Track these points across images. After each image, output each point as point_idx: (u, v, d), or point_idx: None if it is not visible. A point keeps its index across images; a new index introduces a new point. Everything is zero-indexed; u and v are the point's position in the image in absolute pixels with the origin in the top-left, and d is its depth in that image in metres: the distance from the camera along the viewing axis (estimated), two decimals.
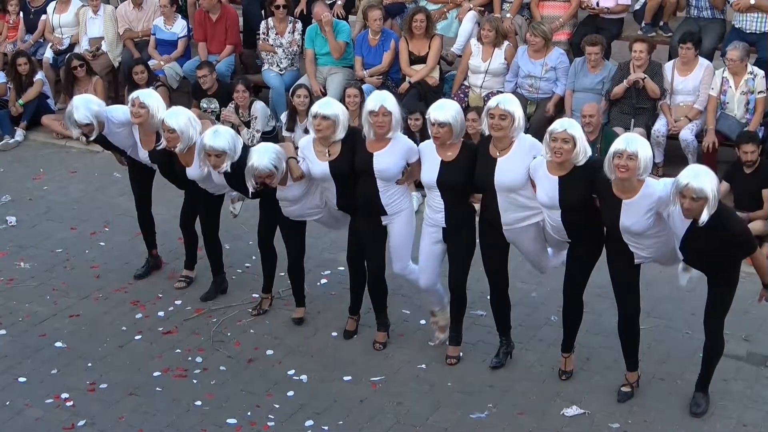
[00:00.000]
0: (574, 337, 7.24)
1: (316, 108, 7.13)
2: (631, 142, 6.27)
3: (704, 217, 6.03)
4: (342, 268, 7.92)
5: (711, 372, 6.89)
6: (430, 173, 6.96)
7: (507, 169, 6.73)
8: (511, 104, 6.69)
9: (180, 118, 7.58)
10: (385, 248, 7.40)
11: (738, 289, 6.62)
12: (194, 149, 7.60)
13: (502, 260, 7.13)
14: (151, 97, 7.87)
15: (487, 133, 6.79)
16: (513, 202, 6.81)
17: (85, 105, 7.93)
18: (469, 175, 6.90)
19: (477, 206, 7.15)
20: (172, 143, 7.59)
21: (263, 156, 7.08)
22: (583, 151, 6.52)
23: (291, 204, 7.50)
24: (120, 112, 8.04)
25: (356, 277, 7.73)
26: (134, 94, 7.94)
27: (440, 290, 7.45)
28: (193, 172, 7.74)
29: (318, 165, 7.22)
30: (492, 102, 6.73)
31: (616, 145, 6.28)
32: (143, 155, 8.06)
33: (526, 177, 6.74)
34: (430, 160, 6.98)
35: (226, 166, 7.29)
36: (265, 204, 7.78)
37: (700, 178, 6.01)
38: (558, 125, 6.53)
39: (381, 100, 6.97)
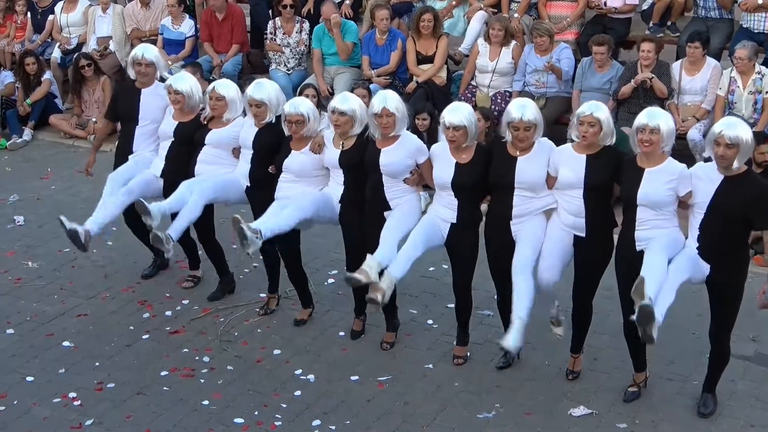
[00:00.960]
0: (583, 338, 7.25)
1: (334, 103, 7.20)
2: (652, 116, 6.41)
3: (736, 164, 6.21)
4: None
5: (718, 376, 6.89)
6: (444, 174, 6.95)
7: (528, 167, 6.77)
8: (533, 112, 6.73)
9: (230, 89, 7.79)
10: None
11: (745, 290, 6.61)
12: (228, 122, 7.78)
13: (508, 260, 7.08)
14: (183, 81, 7.91)
15: (509, 140, 6.81)
16: (528, 197, 6.83)
17: (152, 49, 8.27)
18: (483, 177, 6.91)
19: (483, 207, 7.14)
20: (219, 111, 7.73)
21: (298, 104, 7.40)
22: (611, 132, 6.64)
23: (289, 179, 7.47)
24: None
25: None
26: (167, 81, 7.95)
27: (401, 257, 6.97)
28: (216, 133, 7.75)
29: (332, 151, 7.28)
30: (515, 115, 6.69)
31: (639, 119, 6.44)
32: (169, 127, 7.98)
33: (545, 175, 6.79)
34: (444, 161, 6.97)
35: (270, 117, 7.54)
36: (260, 205, 7.76)
37: (734, 126, 6.24)
38: (586, 108, 6.63)
39: (383, 101, 7.00)
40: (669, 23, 11.57)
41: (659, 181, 6.42)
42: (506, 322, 7.37)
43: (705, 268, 6.48)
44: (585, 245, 6.79)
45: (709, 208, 6.34)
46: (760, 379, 7.32)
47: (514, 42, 11.04)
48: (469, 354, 7.55)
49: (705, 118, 10.20)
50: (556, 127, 9.91)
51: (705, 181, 6.36)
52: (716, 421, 6.84)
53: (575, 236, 6.80)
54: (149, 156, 8.15)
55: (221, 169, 7.80)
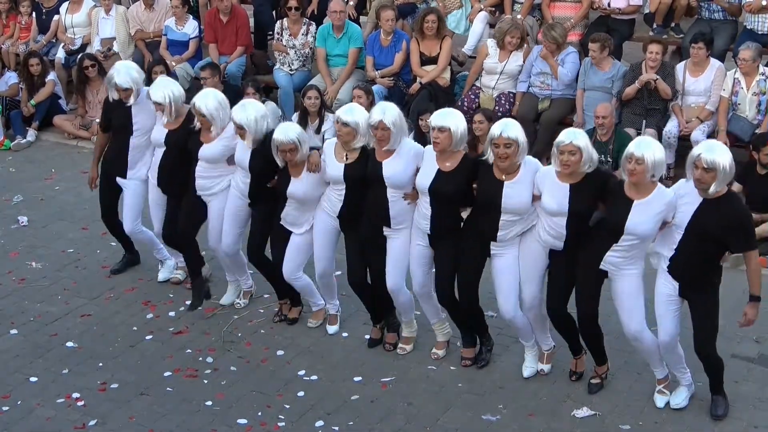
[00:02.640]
0: (578, 338, 7.22)
1: (339, 113, 7.18)
2: (639, 146, 6.36)
3: (713, 189, 6.17)
4: None
5: (720, 379, 6.88)
6: (425, 179, 6.92)
7: (514, 194, 6.73)
8: (514, 130, 6.64)
9: (209, 101, 7.67)
10: (386, 255, 7.35)
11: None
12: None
13: (477, 272, 7.12)
14: (163, 89, 7.84)
15: (491, 161, 6.75)
16: (514, 220, 6.82)
17: (127, 70, 8.06)
18: (463, 187, 6.88)
19: (464, 215, 7.12)
20: (206, 125, 7.68)
21: (288, 130, 7.29)
22: (590, 159, 6.57)
23: (294, 206, 7.49)
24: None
25: (363, 294, 7.69)
26: (152, 97, 7.82)
27: (435, 298, 7.42)
28: (208, 149, 7.72)
29: (334, 166, 7.23)
30: (495, 131, 6.66)
31: (629, 148, 6.40)
32: (159, 135, 7.98)
33: (531, 199, 6.76)
34: (429, 166, 6.95)
35: (248, 141, 7.46)
36: (259, 215, 7.76)
37: (713, 151, 6.18)
38: (564, 137, 6.56)
39: (380, 113, 6.93)
40: (673, 24, 11.56)
41: (648, 214, 6.40)
42: (480, 328, 7.52)
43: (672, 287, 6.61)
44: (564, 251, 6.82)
45: (687, 229, 6.34)
46: (763, 381, 7.31)
47: (525, 45, 11.02)
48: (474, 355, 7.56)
49: (709, 119, 10.20)
50: (561, 128, 9.88)
51: (686, 200, 6.35)
52: (719, 422, 6.84)
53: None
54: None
55: (219, 180, 7.82)
